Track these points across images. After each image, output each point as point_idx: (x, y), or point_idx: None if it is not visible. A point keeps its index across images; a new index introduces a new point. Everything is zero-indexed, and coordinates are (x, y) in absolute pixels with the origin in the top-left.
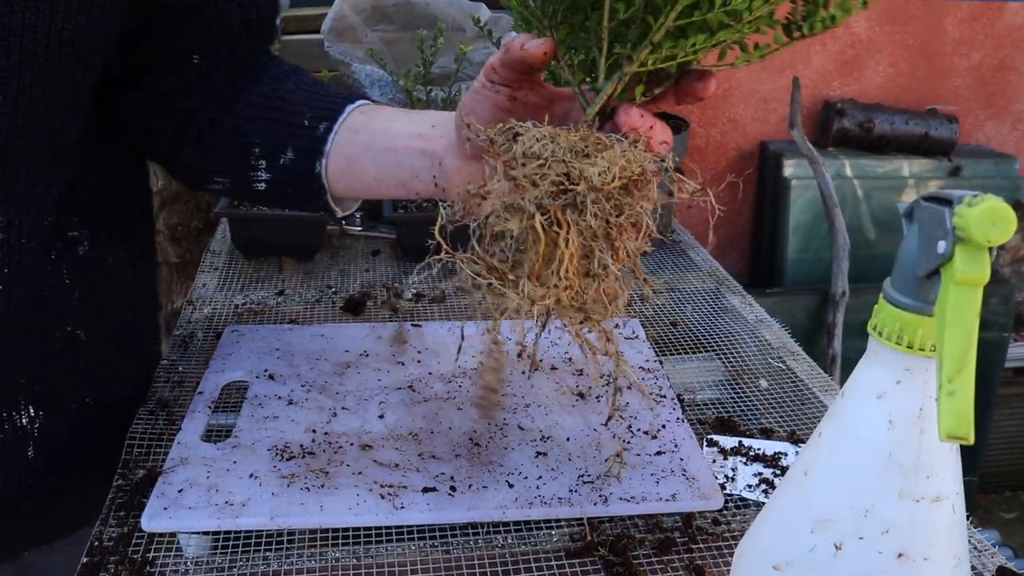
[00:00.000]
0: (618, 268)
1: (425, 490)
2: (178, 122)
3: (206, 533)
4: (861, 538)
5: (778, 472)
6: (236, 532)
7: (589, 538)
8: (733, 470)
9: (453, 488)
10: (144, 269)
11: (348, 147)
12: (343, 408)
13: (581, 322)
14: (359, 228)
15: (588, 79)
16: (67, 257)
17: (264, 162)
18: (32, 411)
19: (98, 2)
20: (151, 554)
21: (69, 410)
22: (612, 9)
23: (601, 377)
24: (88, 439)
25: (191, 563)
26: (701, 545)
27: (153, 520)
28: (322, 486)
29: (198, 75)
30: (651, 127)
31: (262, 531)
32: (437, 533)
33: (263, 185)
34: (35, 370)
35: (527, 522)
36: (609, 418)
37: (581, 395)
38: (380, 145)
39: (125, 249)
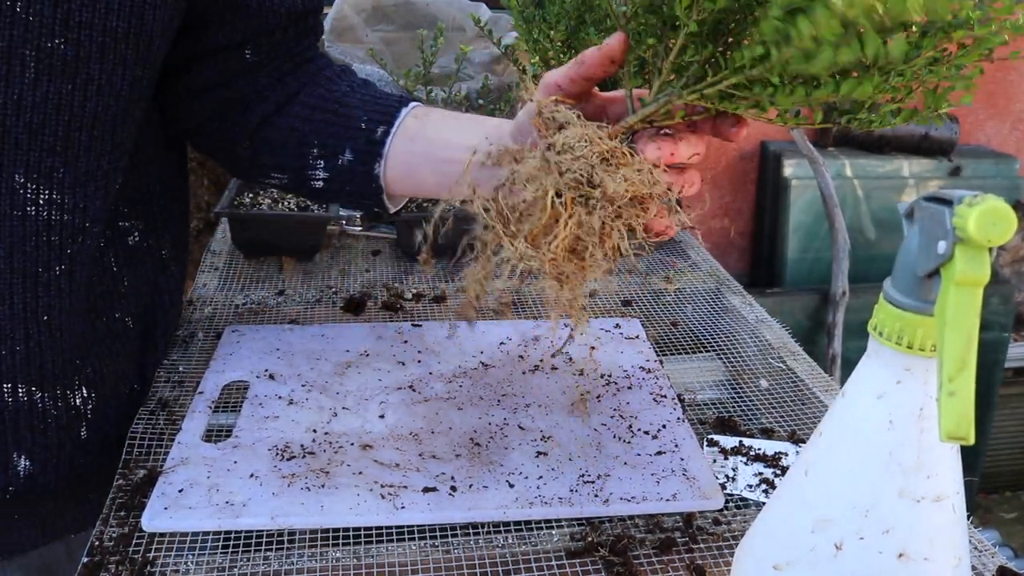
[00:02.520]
0: (603, 258)
1: (425, 490)
2: (230, 114)
3: (207, 533)
4: (861, 538)
5: (779, 472)
6: (236, 532)
7: (589, 538)
8: (734, 470)
9: (453, 488)
10: (182, 264)
11: (406, 155)
12: (343, 408)
13: (560, 286)
14: (359, 228)
15: (642, 85)
16: (116, 246)
17: (322, 162)
18: (85, 392)
19: (151, 3)
20: (151, 554)
21: (119, 394)
22: (683, 49)
23: (602, 376)
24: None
25: (192, 562)
26: (701, 545)
27: (153, 520)
28: (322, 486)
29: (247, 68)
30: (671, 154)
31: (262, 531)
32: (437, 533)
33: (320, 183)
34: (88, 352)
35: (527, 522)
36: (555, 354)
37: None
38: (438, 156)
39: (170, 243)
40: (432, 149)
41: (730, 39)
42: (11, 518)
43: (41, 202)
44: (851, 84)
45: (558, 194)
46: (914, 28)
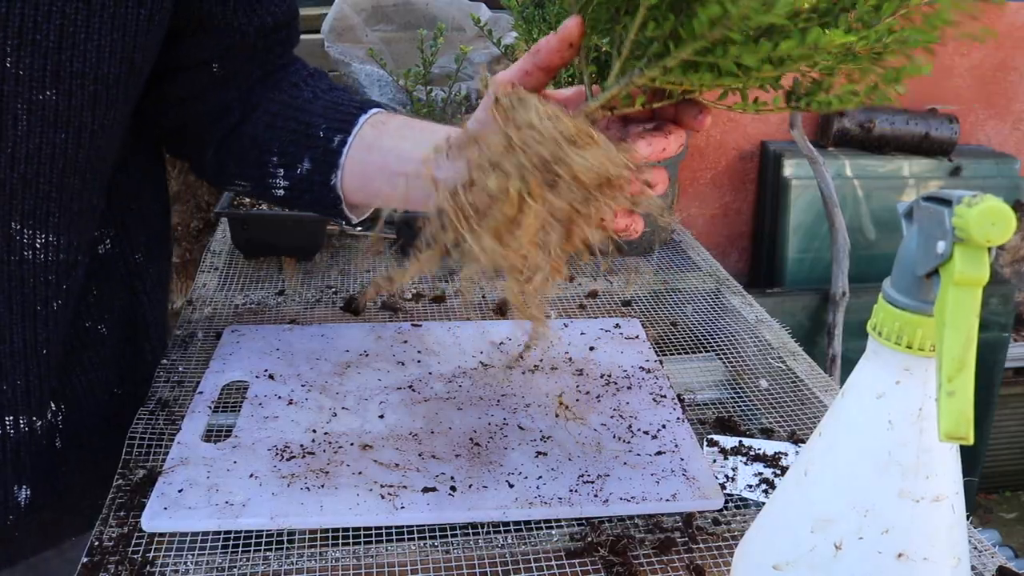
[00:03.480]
0: (569, 251)
1: (425, 490)
2: (200, 124)
3: (206, 533)
4: (861, 538)
5: (778, 472)
6: (236, 532)
7: (589, 538)
8: (733, 470)
9: (453, 488)
10: (161, 264)
11: (361, 165)
12: (343, 408)
13: (524, 281)
14: (359, 228)
15: (597, 75)
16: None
17: (282, 171)
18: (54, 406)
19: (140, 45)
20: (151, 554)
21: (98, 402)
22: (643, 24)
23: (602, 376)
24: (121, 430)
25: (192, 563)
26: (701, 545)
27: (153, 520)
28: (322, 486)
29: (215, 82)
30: (663, 149)
31: (262, 531)
32: (437, 533)
33: (281, 192)
34: (57, 366)
35: (527, 522)
36: (510, 364)
37: (537, 367)
38: (392, 169)
39: (144, 246)
40: (387, 161)
41: (691, 9)
42: (12, 536)
43: (37, 246)
44: (817, 32)
45: (522, 180)
46: None
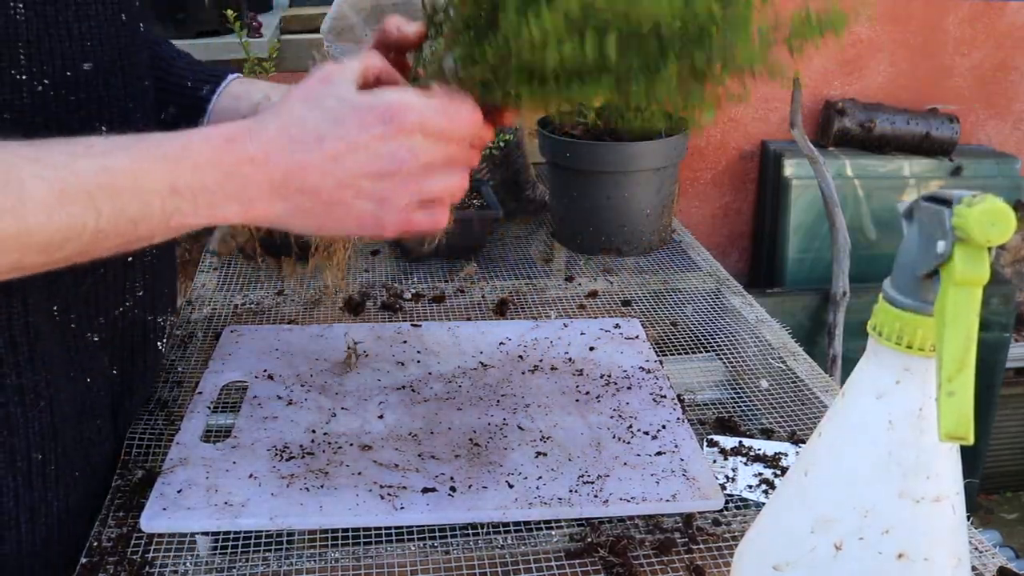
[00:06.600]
0: None
1: (425, 490)
2: None
3: (205, 534)
4: (861, 538)
5: (778, 472)
6: (236, 532)
7: (589, 539)
8: (733, 470)
9: (453, 488)
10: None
11: (232, 114)
12: (343, 408)
13: None
14: None
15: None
16: None
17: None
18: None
19: None
20: (150, 555)
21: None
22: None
23: (601, 376)
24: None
25: (191, 563)
26: (701, 546)
27: (152, 520)
28: (322, 486)
29: None
30: None
31: (262, 531)
32: (437, 534)
33: None
34: None
35: (527, 522)
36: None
37: (537, 367)
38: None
39: None
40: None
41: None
42: None
43: None
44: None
45: None
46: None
